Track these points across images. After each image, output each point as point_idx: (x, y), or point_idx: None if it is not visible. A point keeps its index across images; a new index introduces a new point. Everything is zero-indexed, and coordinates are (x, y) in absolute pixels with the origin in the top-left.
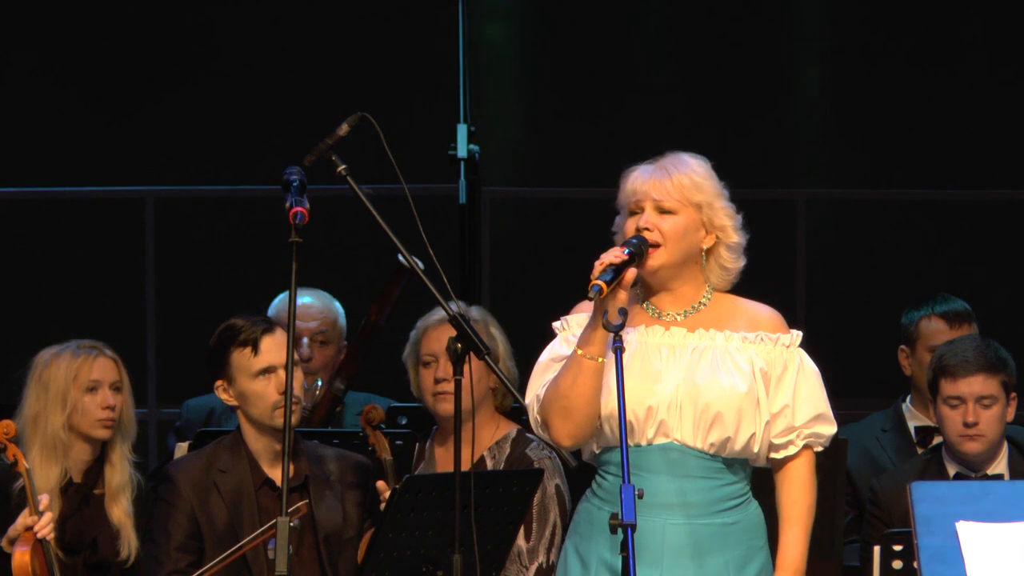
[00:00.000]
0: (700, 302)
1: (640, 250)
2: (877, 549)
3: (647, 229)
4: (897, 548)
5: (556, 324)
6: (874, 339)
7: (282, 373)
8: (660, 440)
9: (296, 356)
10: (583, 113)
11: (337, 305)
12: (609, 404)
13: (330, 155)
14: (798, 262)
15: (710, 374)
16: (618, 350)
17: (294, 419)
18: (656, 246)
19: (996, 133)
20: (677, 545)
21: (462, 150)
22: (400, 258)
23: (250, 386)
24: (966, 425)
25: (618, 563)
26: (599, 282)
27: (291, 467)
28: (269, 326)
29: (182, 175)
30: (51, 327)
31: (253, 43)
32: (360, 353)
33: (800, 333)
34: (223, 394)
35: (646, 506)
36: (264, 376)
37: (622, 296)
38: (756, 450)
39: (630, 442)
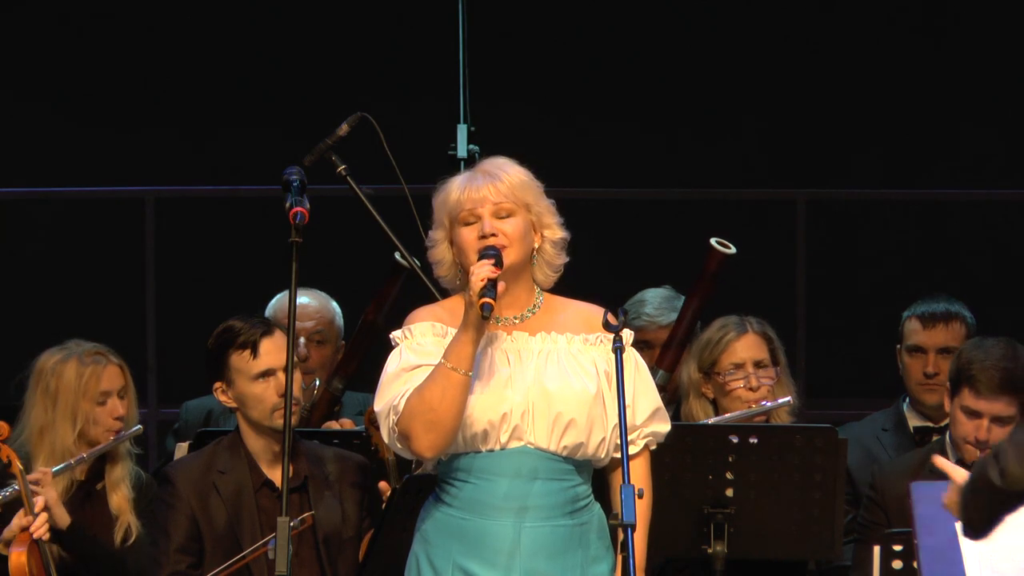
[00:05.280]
0: (535, 304)
1: (500, 260)
2: (877, 549)
3: (492, 235)
4: (897, 548)
5: (396, 334)
6: (874, 339)
7: (281, 375)
8: (514, 444)
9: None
10: (582, 113)
11: (334, 304)
12: (465, 412)
13: (330, 155)
14: (798, 262)
15: (559, 378)
16: (618, 350)
17: (293, 420)
18: (503, 248)
19: (996, 133)
20: (532, 547)
21: (462, 150)
22: (397, 256)
23: (249, 389)
24: (978, 440)
25: (472, 566)
26: (489, 300)
27: (290, 468)
28: (267, 328)
29: (182, 175)
30: (51, 327)
31: (253, 43)
32: (358, 352)
33: (631, 333)
34: (222, 396)
35: (497, 509)
36: (263, 379)
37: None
38: (605, 452)
39: (483, 448)
